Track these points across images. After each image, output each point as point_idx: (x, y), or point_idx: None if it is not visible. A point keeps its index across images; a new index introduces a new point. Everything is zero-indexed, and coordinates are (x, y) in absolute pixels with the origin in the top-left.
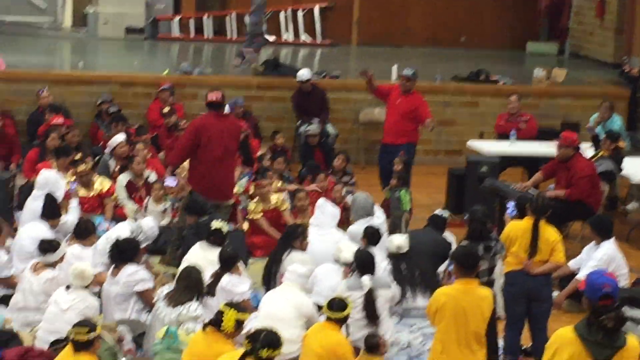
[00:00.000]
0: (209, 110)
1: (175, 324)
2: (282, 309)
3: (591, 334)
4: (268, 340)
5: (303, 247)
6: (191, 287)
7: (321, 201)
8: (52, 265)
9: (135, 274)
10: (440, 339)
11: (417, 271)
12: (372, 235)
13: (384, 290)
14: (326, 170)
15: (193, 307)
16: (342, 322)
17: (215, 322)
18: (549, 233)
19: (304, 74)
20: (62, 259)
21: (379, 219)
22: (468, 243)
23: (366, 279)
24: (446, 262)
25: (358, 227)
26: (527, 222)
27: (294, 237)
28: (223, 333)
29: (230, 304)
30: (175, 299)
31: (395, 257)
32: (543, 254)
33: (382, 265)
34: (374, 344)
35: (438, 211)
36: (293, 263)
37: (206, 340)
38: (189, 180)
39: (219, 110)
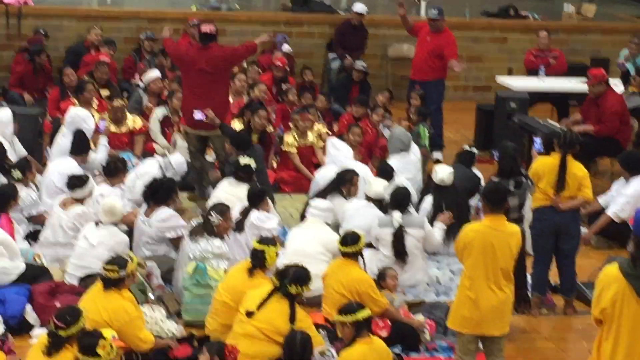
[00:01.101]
0: (200, 41)
1: (200, 259)
2: (308, 245)
3: (635, 270)
4: (297, 276)
5: (351, 194)
6: (208, 222)
7: (331, 140)
8: (81, 200)
9: (168, 220)
10: (469, 275)
11: (454, 211)
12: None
13: (415, 229)
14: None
15: (217, 243)
16: (356, 256)
17: (260, 263)
18: (577, 168)
19: (362, 7)
20: (90, 194)
21: (415, 155)
22: (498, 179)
23: (397, 215)
24: (475, 199)
25: (393, 161)
26: (554, 158)
27: (344, 181)
28: (264, 269)
29: (263, 240)
30: (195, 231)
31: (437, 191)
32: (571, 190)
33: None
34: (381, 275)
35: (466, 146)
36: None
37: (246, 276)
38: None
39: (210, 42)
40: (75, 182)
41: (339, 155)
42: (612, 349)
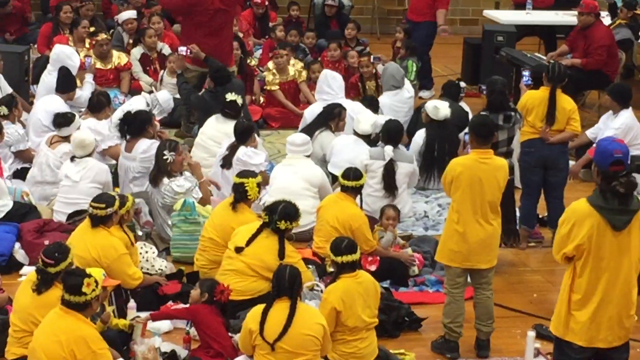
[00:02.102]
0: None
1: (168, 203)
2: (292, 182)
3: (607, 202)
4: (286, 211)
5: (339, 128)
6: (159, 164)
7: (325, 72)
8: (67, 138)
9: (149, 149)
10: (456, 208)
11: (447, 147)
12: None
13: (405, 163)
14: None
15: (180, 182)
16: (357, 191)
17: (242, 196)
18: (566, 102)
19: None
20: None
21: (408, 92)
22: (487, 113)
23: (389, 149)
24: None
25: (386, 98)
26: (543, 92)
27: (331, 117)
28: (248, 202)
29: (242, 173)
30: (153, 179)
31: (431, 126)
32: (559, 123)
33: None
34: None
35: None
36: (319, 145)
37: (231, 211)
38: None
39: None
40: (61, 120)
41: (324, 88)
42: (589, 283)
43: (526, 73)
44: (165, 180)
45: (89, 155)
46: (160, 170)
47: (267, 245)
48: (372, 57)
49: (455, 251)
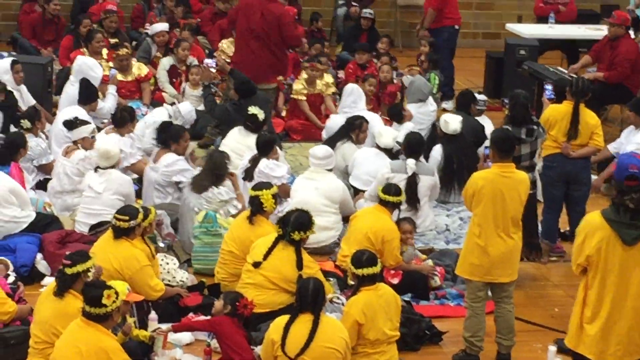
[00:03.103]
0: None
1: (207, 209)
2: (312, 197)
3: (618, 216)
4: (298, 221)
5: (360, 140)
6: (211, 170)
7: (347, 86)
8: (82, 143)
9: (174, 165)
10: (478, 222)
11: (465, 160)
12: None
13: (427, 176)
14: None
15: (221, 191)
16: (394, 207)
17: (258, 209)
18: (589, 116)
19: None
20: (92, 137)
21: (432, 105)
22: (509, 127)
23: (411, 162)
24: (483, 146)
25: (410, 110)
26: (566, 106)
27: (353, 128)
28: (265, 214)
29: (257, 186)
30: (198, 185)
31: (447, 140)
32: (582, 138)
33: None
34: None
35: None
36: (341, 156)
37: (248, 224)
38: (233, 58)
39: None
40: (71, 124)
41: (348, 102)
42: (598, 296)
43: (549, 87)
44: (213, 187)
45: (113, 166)
46: (213, 178)
47: (284, 257)
48: (395, 73)
49: (476, 265)
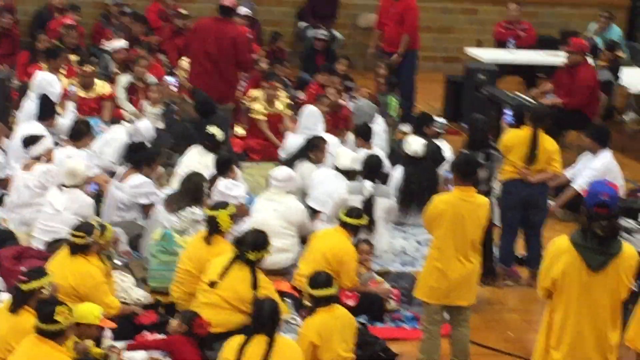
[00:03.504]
0: (218, 13)
1: (178, 227)
2: (271, 219)
3: (585, 241)
4: (255, 242)
5: (318, 160)
6: (189, 191)
7: (307, 107)
8: (39, 159)
9: (141, 186)
10: (438, 245)
11: (425, 182)
12: (362, 131)
13: (383, 199)
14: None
15: (197, 212)
16: (355, 230)
17: (214, 229)
18: (548, 142)
19: None
20: (49, 153)
21: (379, 125)
22: (468, 151)
23: (368, 185)
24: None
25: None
26: (525, 131)
27: (312, 147)
28: (222, 234)
29: (213, 206)
30: (173, 203)
31: (409, 162)
32: (541, 163)
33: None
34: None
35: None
36: (302, 173)
37: (205, 243)
38: (190, 80)
39: (228, 15)
40: (29, 140)
41: (309, 123)
42: (562, 321)
43: (508, 112)
44: (189, 208)
45: (77, 186)
46: (191, 198)
47: (240, 277)
48: (348, 97)
49: (434, 288)
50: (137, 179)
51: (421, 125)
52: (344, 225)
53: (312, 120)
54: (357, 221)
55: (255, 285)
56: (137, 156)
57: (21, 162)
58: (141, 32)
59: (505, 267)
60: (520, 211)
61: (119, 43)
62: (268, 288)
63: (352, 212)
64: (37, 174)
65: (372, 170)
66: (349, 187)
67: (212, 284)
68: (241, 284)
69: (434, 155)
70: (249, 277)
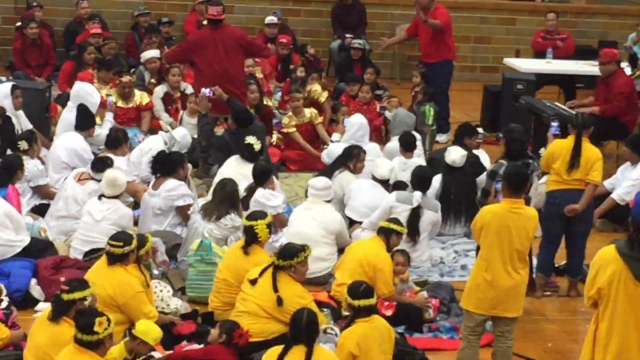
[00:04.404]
0: (209, 25)
1: (218, 235)
2: (309, 228)
3: (632, 251)
4: (286, 252)
5: (357, 170)
6: (226, 199)
7: (352, 117)
8: (97, 180)
9: (176, 189)
10: (485, 256)
11: (462, 192)
12: (406, 140)
13: (430, 212)
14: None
15: (236, 219)
16: (394, 235)
17: (252, 239)
18: (591, 151)
19: None
20: None
21: (416, 137)
22: (506, 161)
23: (418, 195)
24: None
25: (395, 143)
26: (570, 140)
27: (350, 157)
28: (260, 243)
29: (251, 216)
30: (210, 212)
31: (447, 172)
32: (582, 171)
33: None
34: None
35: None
36: (339, 185)
37: (243, 253)
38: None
39: (217, 25)
40: (99, 167)
41: (354, 133)
42: (607, 330)
43: (554, 123)
44: (228, 215)
45: (117, 197)
46: (228, 205)
47: (285, 288)
48: (379, 106)
49: (481, 298)
50: (170, 184)
51: (463, 136)
52: (382, 231)
53: (360, 132)
54: (397, 227)
55: (275, 288)
56: (163, 165)
57: (75, 172)
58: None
59: (544, 277)
60: (563, 222)
61: (151, 52)
62: (306, 298)
63: (394, 219)
64: (88, 190)
65: (422, 181)
66: (398, 196)
67: (254, 281)
68: (286, 294)
69: (473, 166)
70: (291, 287)
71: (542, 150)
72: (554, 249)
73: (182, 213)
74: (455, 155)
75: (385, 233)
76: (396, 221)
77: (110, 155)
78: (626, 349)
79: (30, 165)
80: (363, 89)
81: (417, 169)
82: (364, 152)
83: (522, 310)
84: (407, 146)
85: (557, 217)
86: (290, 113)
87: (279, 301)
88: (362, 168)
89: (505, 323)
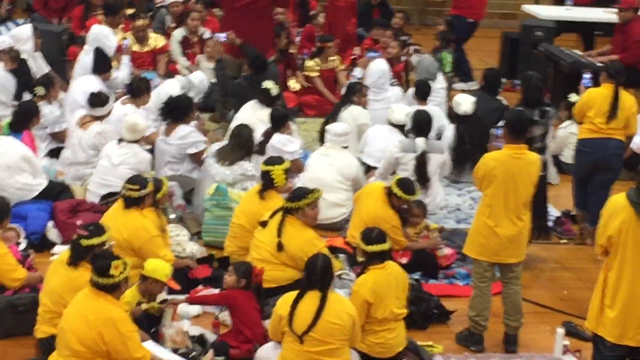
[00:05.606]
0: None
1: (230, 180)
2: (326, 173)
3: None
4: (295, 194)
5: (362, 103)
6: (241, 144)
7: (374, 64)
8: (99, 118)
9: (188, 136)
10: (488, 202)
11: (477, 140)
12: (422, 89)
13: (436, 154)
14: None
15: (247, 167)
16: (401, 202)
17: (269, 184)
18: (629, 100)
19: None
20: (109, 113)
21: (439, 84)
22: (523, 108)
23: (420, 141)
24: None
25: None
26: (606, 88)
27: (353, 92)
28: (276, 189)
29: (269, 161)
30: (225, 157)
31: (459, 121)
32: (619, 121)
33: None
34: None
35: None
36: (350, 117)
37: (259, 198)
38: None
39: None
40: (96, 101)
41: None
42: (617, 279)
43: (587, 75)
44: (243, 161)
45: (137, 141)
46: (243, 152)
47: (291, 233)
48: (411, 48)
49: (484, 245)
50: (182, 130)
51: (492, 84)
52: (390, 194)
53: (382, 80)
54: (407, 196)
55: (279, 233)
56: (174, 112)
57: (77, 116)
58: None
59: (582, 210)
60: (591, 170)
61: None
62: (318, 245)
63: (405, 185)
64: (91, 133)
65: (421, 126)
66: (401, 145)
67: (264, 223)
68: (292, 239)
69: (500, 114)
70: (301, 234)
71: (573, 97)
72: (584, 189)
73: (196, 159)
74: (465, 105)
75: (389, 193)
76: (403, 185)
77: (131, 105)
78: (634, 296)
79: (47, 110)
80: (391, 44)
81: (415, 113)
82: (366, 87)
83: (524, 256)
84: (422, 95)
85: (586, 165)
86: (317, 59)
87: (279, 246)
88: (366, 102)
89: (510, 269)
